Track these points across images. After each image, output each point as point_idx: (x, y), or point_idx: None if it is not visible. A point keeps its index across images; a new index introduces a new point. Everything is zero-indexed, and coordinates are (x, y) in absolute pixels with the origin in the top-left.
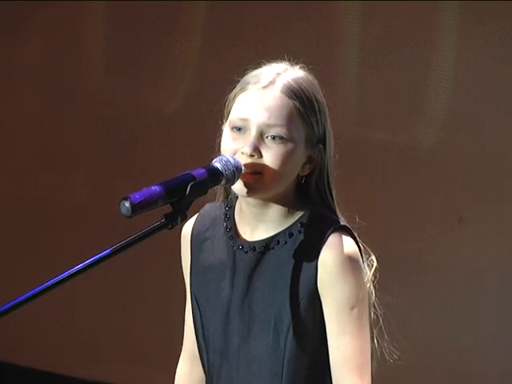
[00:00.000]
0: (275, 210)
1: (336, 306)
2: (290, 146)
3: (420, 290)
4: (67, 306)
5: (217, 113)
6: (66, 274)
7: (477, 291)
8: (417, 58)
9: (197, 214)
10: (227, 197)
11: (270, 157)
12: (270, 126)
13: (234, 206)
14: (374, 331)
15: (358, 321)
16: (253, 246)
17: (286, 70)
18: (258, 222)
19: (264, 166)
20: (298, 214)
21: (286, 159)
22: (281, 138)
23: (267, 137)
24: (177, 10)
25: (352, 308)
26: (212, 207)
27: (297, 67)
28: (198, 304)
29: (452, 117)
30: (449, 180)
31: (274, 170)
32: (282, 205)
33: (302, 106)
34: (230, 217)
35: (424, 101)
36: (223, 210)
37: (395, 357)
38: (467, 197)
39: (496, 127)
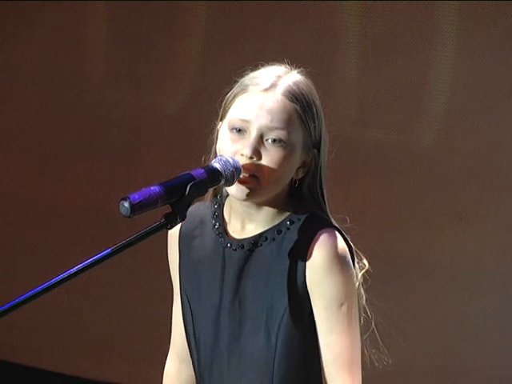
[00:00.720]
0: (267, 210)
1: (324, 303)
2: (288, 149)
3: (419, 290)
4: (68, 306)
5: (217, 113)
6: (66, 274)
7: (477, 291)
8: (416, 57)
9: None
10: (216, 196)
11: (269, 160)
12: (271, 128)
13: (223, 204)
14: (364, 334)
15: (346, 318)
16: (241, 243)
17: (287, 72)
18: (248, 221)
19: (262, 169)
20: (288, 213)
21: (284, 163)
22: (281, 141)
23: (267, 139)
24: (177, 11)
25: (340, 305)
26: (200, 206)
27: (295, 71)
28: (188, 302)
29: (451, 116)
30: (448, 180)
31: (271, 173)
32: (274, 206)
33: (302, 111)
34: (218, 215)
35: (423, 101)
36: (212, 208)
37: (389, 361)
38: (467, 197)
39: (495, 127)
